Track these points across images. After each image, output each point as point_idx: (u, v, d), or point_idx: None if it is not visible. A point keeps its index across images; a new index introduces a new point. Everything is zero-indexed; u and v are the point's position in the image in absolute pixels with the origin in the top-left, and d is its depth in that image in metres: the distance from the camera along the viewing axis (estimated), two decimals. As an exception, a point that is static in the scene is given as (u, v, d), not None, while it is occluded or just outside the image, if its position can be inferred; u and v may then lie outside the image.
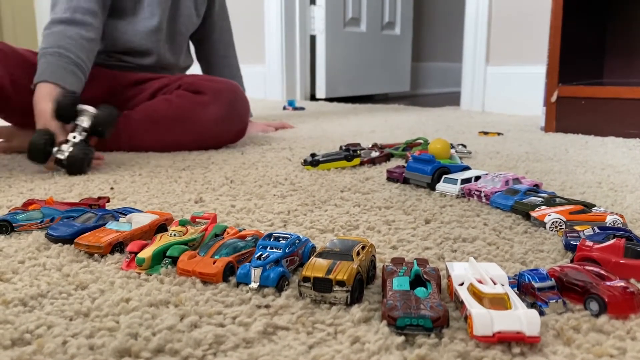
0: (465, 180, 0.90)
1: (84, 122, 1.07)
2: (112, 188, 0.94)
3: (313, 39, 2.96)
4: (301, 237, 0.59)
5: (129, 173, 1.06)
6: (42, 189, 0.94)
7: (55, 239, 0.65)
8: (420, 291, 0.47)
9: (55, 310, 0.48)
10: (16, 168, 1.11)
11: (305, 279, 0.49)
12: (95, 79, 1.32)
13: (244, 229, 0.67)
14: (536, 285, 0.49)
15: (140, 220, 0.68)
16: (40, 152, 1.03)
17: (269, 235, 0.58)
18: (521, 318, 0.42)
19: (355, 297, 0.49)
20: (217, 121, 1.31)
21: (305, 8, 2.93)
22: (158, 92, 1.37)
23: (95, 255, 0.61)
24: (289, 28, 2.89)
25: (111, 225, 0.66)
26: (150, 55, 1.42)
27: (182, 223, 0.65)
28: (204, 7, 1.54)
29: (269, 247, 0.56)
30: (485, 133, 1.61)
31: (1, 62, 1.21)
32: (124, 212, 0.73)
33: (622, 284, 0.48)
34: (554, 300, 0.48)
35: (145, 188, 0.95)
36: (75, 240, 0.63)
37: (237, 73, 1.68)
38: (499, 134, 1.60)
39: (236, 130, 1.37)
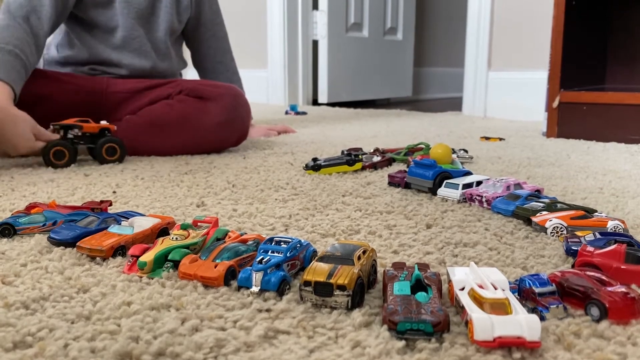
0: (467, 185, 0.90)
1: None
2: (114, 192, 0.95)
3: (315, 44, 2.96)
4: (302, 241, 0.60)
5: (131, 177, 1.06)
6: (44, 192, 0.94)
7: (57, 243, 0.65)
8: (421, 296, 0.47)
9: (57, 313, 0.48)
10: (19, 172, 1.11)
11: (306, 283, 0.50)
12: (75, 85, 1.35)
13: (246, 233, 0.67)
14: (537, 290, 0.49)
15: (142, 224, 0.68)
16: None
17: (271, 240, 0.58)
18: (522, 323, 0.42)
19: (356, 301, 0.49)
20: (218, 125, 1.32)
21: (308, 13, 2.94)
22: (159, 98, 1.37)
23: (97, 258, 0.61)
24: (291, 33, 2.90)
25: (113, 228, 0.66)
26: (130, 65, 1.43)
27: (184, 227, 0.66)
28: (187, 14, 1.53)
29: (270, 251, 0.56)
30: (487, 138, 1.61)
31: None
32: (126, 215, 0.73)
33: (622, 289, 0.48)
34: (554, 306, 0.48)
35: (147, 192, 0.95)
36: (77, 244, 0.63)
37: (233, 77, 1.66)
38: (500, 139, 1.61)
39: (238, 135, 1.38)
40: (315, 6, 2.94)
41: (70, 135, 1.18)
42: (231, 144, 1.39)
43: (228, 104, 1.34)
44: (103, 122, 1.21)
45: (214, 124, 1.31)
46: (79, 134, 1.18)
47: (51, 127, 1.19)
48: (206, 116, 1.31)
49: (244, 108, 1.39)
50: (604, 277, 0.51)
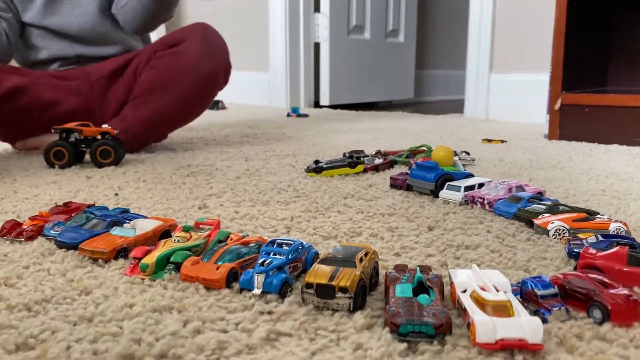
0: (469, 188, 0.90)
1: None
2: (116, 194, 0.95)
3: (317, 46, 2.96)
4: (304, 243, 0.60)
5: (133, 179, 1.06)
6: (47, 194, 0.94)
7: (62, 246, 0.65)
8: (423, 298, 0.47)
9: (59, 315, 0.48)
10: (21, 174, 1.12)
11: (308, 286, 0.50)
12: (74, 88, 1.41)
13: (248, 235, 0.67)
14: (539, 292, 0.49)
15: (144, 226, 0.68)
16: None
17: (272, 242, 0.58)
18: (524, 325, 0.42)
19: (358, 303, 0.49)
20: (200, 58, 1.38)
21: (310, 16, 2.94)
22: (139, 67, 1.43)
23: (99, 260, 0.62)
24: (293, 36, 2.90)
25: (115, 231, 0.67)
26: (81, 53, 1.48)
27: (186, 229, 0.66)
28: None
29: (272, 254, 0.56)
30: (489, 140, 1.61)
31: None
32: (124, 214, 0.73)
33: (625, 291, 0.48)
34: (556, 308, 0.48)
35: (149, 194, 0.95)
36: (80, 246, 0.63)
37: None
38: (502, 141, 1.60)
39: (223, 66, 1.44)
40: (317, 9, 2.95)
41: (71, 139, 1.19)
42: (222, 80, 1.46)
43: (199, 36, 1.40)
44: (104, 126, 1.22)
45: (195, 58, 1.37)
46: (80, 137, 1.19)
47: (52, 130, 1.20)
48: (185, 54, 1.37)
49: (215, 35, 1.44)
50: (606, 280, 0.51)
